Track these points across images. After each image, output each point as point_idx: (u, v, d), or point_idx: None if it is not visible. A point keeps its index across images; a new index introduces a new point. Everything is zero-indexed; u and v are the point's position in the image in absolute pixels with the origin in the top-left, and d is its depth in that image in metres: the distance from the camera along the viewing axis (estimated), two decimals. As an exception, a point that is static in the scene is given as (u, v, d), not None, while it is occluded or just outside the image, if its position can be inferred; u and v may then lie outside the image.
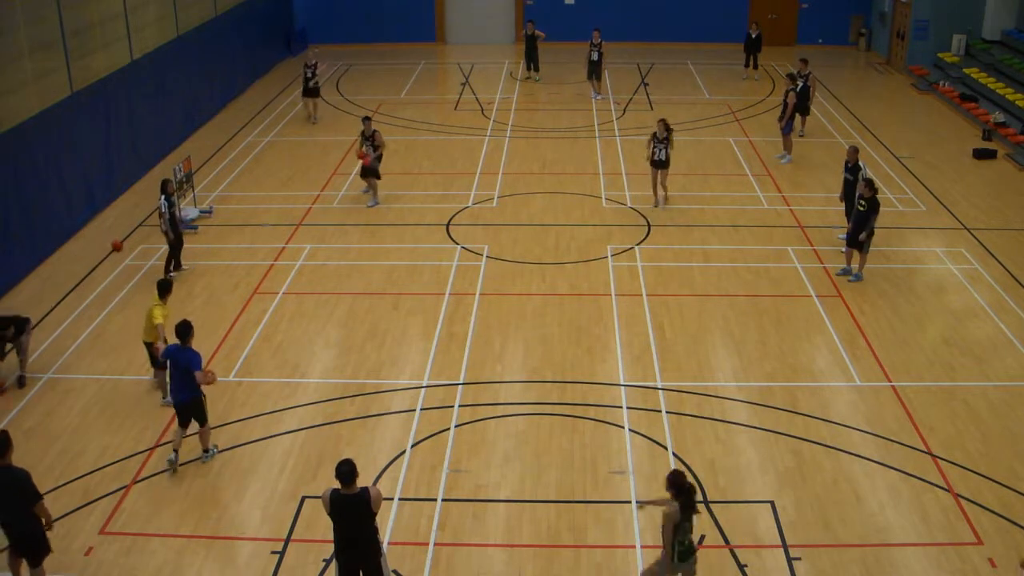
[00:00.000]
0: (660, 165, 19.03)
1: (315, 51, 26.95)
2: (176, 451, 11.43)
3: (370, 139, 19.34)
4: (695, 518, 8.77)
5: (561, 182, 20.84)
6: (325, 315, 15.13)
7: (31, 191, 16.98)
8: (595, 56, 27.06)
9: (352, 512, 8.57)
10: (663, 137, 18.82)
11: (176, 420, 11.50)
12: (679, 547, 8.69)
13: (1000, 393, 13.02)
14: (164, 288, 12.91)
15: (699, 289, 15.88)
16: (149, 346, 12.85)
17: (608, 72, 30.63)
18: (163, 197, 16.02)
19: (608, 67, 31.16)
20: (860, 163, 17.27)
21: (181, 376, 11.22)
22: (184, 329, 11.28)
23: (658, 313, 15.07)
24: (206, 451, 11.70)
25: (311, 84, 24.85)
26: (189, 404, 11.33)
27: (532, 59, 29.21)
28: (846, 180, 17.28)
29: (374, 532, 8.73)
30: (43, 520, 9.31)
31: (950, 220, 18.79)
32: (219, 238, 17.92)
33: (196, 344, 14.19)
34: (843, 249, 16.36)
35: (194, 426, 11.61)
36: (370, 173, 19.43)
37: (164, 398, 12.68)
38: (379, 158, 19.41)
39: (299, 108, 26.59)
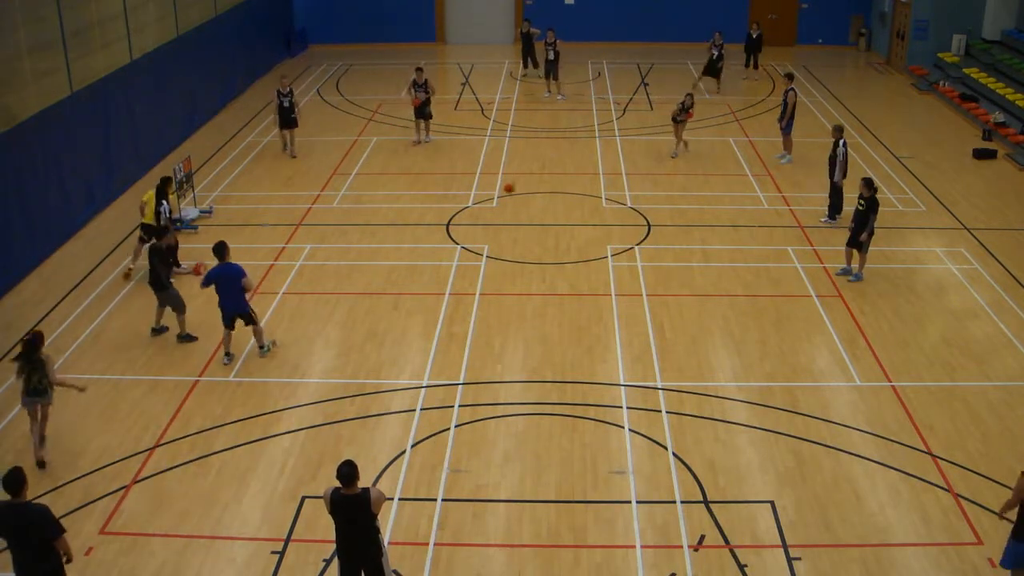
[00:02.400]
0: (677, 121, 22.21)
1: (287, 76, 23.45)
2: (227, 352, 13.74)
3: (423, 85, 22.69)
4: (35, 375, 11.42)
5: (561, 182, 20.84)
6: (325, 315, 15.13)
7: (31, 191, 16.98)
8: (551, 55, 27.01)
9: (353, 512, 8.58)
10: (689, 106, 21.98)
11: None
12: (27, 384, 11.49)
13: (1000, 393, 13.02)
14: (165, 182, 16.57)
15: (699, 289, 15.89)
16: (145, 227, 16.19)
17: (608, 72, 30.68)
18: (164, 201, 16.36)
19: (608, 67, 31.23)
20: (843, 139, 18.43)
21: (236, 286, 13.43)
22: (219, 248, 13.54)
23: (658, 313, 15.07)
24: (261, 347, 13.89)
25: (291, 115, 22.16)
26: (243, 315, 13.63)
27: (531, 56, 29.28)
28: (837, 158, 18.16)
29: (375, 532, 8.73)
30: (63, 556, 8.81)
31: (950, 220, 18.79)
32: (219, 238, 17.87)
33: (197, 343, 14.27)
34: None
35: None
36: (423, 115, 22.92)
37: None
38: (428, 101, 22.91)
39: (299, 109, 26.58)
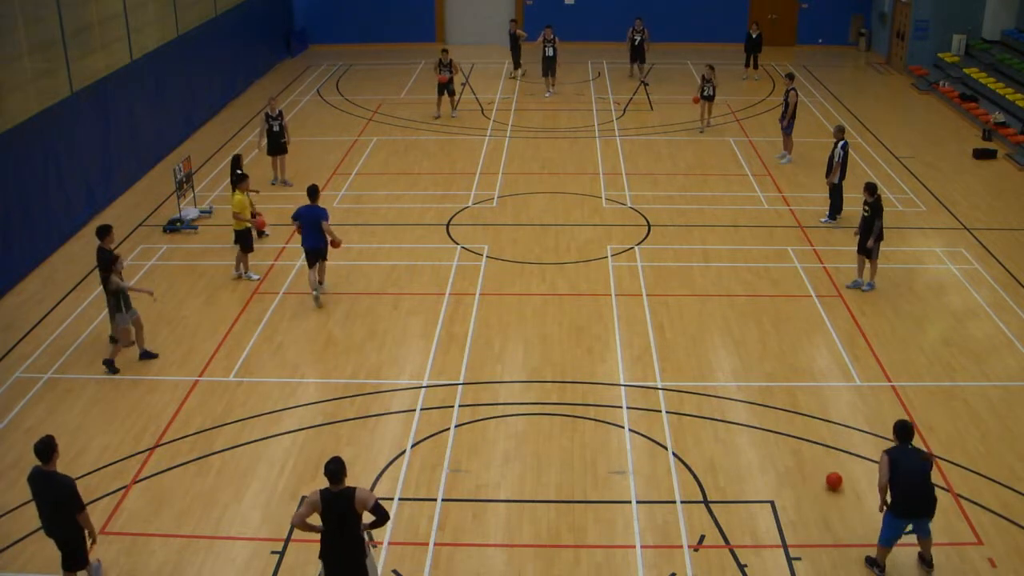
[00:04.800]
0: (708, 99, 23.70)
1: (275, 97, 21.26)
2: (315, 289, 15.22)
3: (448, 65, 24.72)
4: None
5: (561, 182, 20.84)
6: (325, 315, 15.13)
7: (31, 191, 16.99)
8: (549, 52, 27.19)
9: (337, 510, 8.54)
10: (709, 77, 23.38)
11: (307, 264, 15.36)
12: (123, 299, 13.22)
13: (1000, 393, 13.02)
14: (239, 181, 16.34)
15: (699, 289, 15.88)
16: (235, 233, 16.29)
17: (608, 72, 30.67)
18: (240, 172, 16.96)
19: (608, 67, 31.22)
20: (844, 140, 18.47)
21: (311, 228, 15.06)
22: (311, 190, 15.38)
23: (658, 313, 15.07)
24: (320, 283, 15.50)
25: (281, 140, 20.19)
26: (315, 250, 15.21)
27: (516, 57, 29.47)
28: (834, 159, 18.15)
29: (359, 532, 8.65)
30: (86, 531, 9.24)
31: (950, 220, 18.79)
32: (219, 238, 17.91)
33: (197, 343, 14.27)
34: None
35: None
36: (449, 92, 25.05)
37: (244, 272, 16.34)
38: (452, 79, 24.96)
39: (299, 109, 26.61)
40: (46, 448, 9.07)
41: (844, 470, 11.38)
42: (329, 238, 15.13)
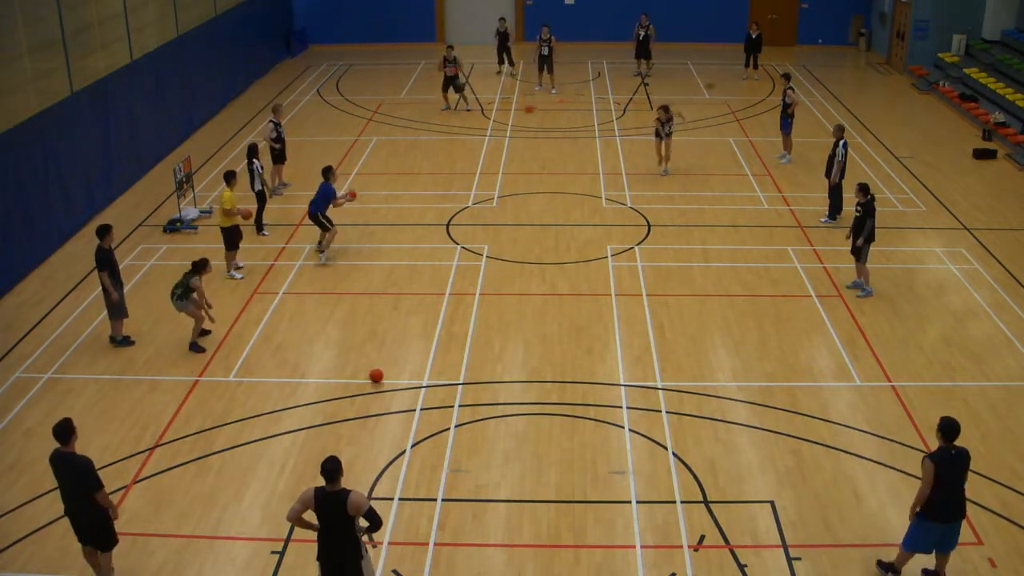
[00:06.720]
0: (667, 136, 21.34)
1: (280, 104, 21.19)
2: (322, 251, 16.85)
3: (453, 61, 25.41)
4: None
5: (561, 182, 20.84)
6: (325, 315, 15.13)
7: (31, 191, 16.98)
8: (545, 51, 27.66)
9: (330, 511, 8.54)
10: (665, 120, 20.92)
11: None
12: (178, 290, 13.77)
13: (1000, 393, 13.02)
14: (230, 177, 16.41)
15: (699, 289, 15.89)
16: (223, 231, 16.15)
17: (608, 72, 30.68)
18: (257, 160, 17.63)
19: (608, 67, 31.22)
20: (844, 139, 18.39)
21: (322, 198, 16.70)
22: (327, 170, 17.00)
23: (658, 313, 15.08)
24: (321, 252, 16.90)
25: (284, 149, 20.09)
26: (314, 216, 16.79)
27: (506, 55, 29.59)
28: (834, 159, 18.12)
29: (353, 534, 8.63)
30: (109, 511, 9.50)
31: (950, 220, 18.79)
32: (219, 238, 17.87)
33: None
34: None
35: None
36: (455, 87, 25.72)
37: (229, 271, 16.42)
38: (457, 75, 25.74)
39: (299, 109, 26.62)
40: (64, 430, 9.27)
41: (844, 470, 11.39)
42: (345, 199, 17.17)
